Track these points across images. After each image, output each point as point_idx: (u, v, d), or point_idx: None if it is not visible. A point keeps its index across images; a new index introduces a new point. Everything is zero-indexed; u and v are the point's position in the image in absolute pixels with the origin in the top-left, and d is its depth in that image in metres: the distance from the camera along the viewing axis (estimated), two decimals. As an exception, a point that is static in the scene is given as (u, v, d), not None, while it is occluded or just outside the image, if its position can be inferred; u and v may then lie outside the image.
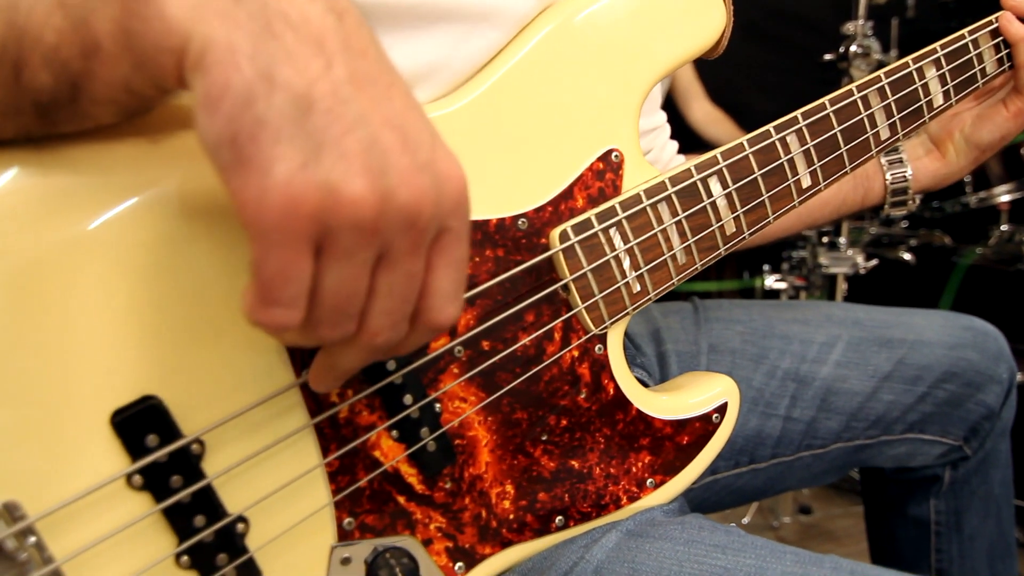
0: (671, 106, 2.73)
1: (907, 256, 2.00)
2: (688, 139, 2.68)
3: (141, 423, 0.46)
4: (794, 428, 1.00)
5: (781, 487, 1.06)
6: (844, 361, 1.01)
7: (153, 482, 0.47)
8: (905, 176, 0.97)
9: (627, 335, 0.99)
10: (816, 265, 1.63)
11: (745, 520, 1.98)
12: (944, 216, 2.20)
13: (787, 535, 1.99)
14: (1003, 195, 2.08)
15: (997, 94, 0.95)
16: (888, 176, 0.98)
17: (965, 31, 0.87)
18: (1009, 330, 1.72)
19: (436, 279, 0.43)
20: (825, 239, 1.74)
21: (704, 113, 2.74)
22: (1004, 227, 2.10)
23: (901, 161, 0.97)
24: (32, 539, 0.43)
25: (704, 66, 2.74)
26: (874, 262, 1.61)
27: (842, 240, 1.63)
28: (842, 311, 1.07)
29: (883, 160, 0.98)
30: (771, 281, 1.82)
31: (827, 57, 1.62)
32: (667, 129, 1.00)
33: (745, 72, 2.92)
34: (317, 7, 0.39)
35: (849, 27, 1.58)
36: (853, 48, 1.57)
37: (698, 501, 1.00)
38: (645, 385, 0.83)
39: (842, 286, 1.69)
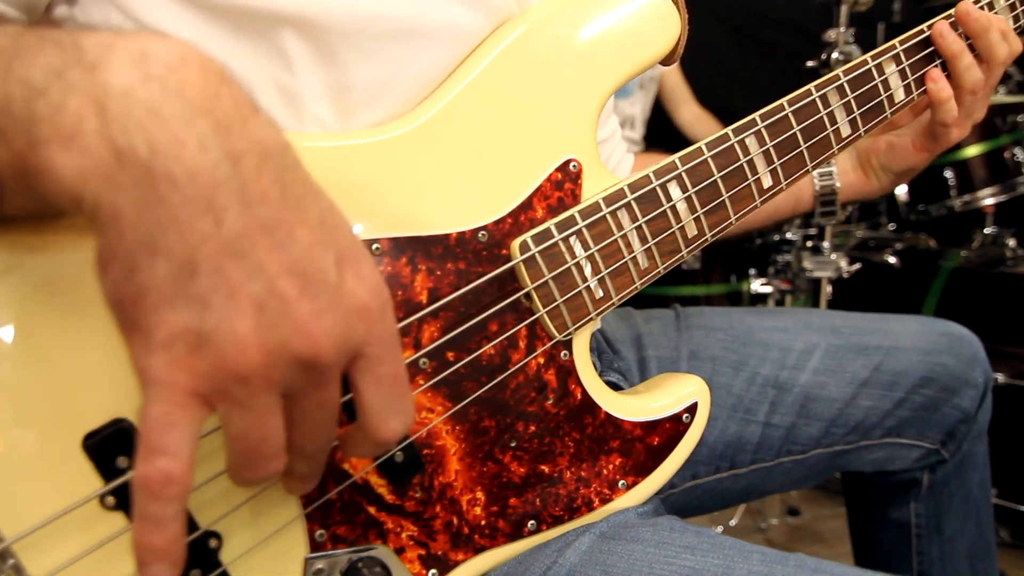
0: (659, 108, 2.75)
1: (892, 260, 2.01)
2: (677, 141, 2.70)
3: (112, 445, 0.48)
4: (774, 434, 1.01)
5: (762, 491, 1.08)
6: (822, 368, 1.02)
7: (126, 501, 0.48)
8: (833, 188, 1.03)
9: (607, 339, 1.01)
10: (801, 269, 1.64)
11: (732, 522, 1.99)
12: (929, 219, 2.22)
13: (775, 537, 2.00)
14: (987, 198, 2.10)
15: (911, 125, 0.98)
16: (817, 186, 1.04)
17: (924, 26, 0.89)
18: (992, 333, 1.74)
19: (367, 399, 0.44)
20: (809, 243, 1.76)
21: (692, 115, 2.77)
22: (988, 230, 2.11)
23: (831, 174, 1.03)
24: (11, 561, 0.44)
25: (692, 69, 2.76)
26: (857, 266, 1.62)
27: (826, 244, 1.64)
28: (820, 318, 1.08)
29: (815, 172, 1.03)
30: (757, 285, 1.83)
31: (809, 64, 1.63)
32: (619, 133, 1.04)
33: (733, 75, 2.95)
34: (209, 158, 0.38)
35: (831, 34, 1.59)
36: (835, 55, 1.58)
37: (680, 505, 1.01)
38: (619, 388, 0.85)
39: (827, 289, 1.70)
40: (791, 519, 2.06)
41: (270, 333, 0.38)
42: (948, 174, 2.13)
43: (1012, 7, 0.94)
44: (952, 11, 0.89)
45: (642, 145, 2.65)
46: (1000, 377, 1.71)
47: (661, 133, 2.74)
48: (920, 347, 1.04)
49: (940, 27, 0.88)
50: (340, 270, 0.41)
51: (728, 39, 2.96)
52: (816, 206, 1.05)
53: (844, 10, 1.59)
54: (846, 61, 1.56)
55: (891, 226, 2.42)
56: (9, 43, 0.40)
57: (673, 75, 2.73)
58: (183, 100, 0.38)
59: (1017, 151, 2.09)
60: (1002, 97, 2.01)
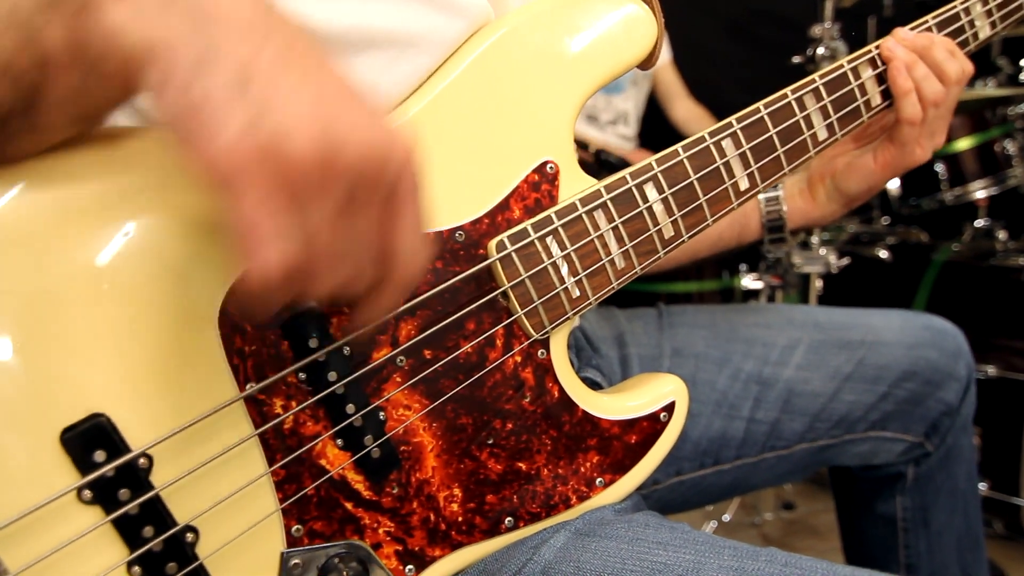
0: (655, 105, 2.76)
1: (884, 254, 2.01)
2: (672, 137, 2.70)
3: (89, 440, 0.49)
4: (758, 429, 1.02)
5: (746, 487, 1.09)
6: (805, 363, 1.03)
7: (102, 496, 0.49)
8: (780, 214, 0.99)
9: (587, 337, 1.02)
10: (790, 264, 1.65)
11: (726, 517, 1.99)
12: (922, 213, 2.22)
13: (770, 531, 2.01)
14: (978, 191, 2.10)
15: (872, 143, 0.94)
16: (764, 213, 0.99)
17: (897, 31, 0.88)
18: (983, 326, 1.75)
19: (400, 237, 0.46)
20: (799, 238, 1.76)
21: (687, 111, 2.77)
22: (980, 223, 2.11)
23: (778, 200, 0.98)
24: (-12, 553, 0.45)
25: (688, 65, 2.76)
26: (846, 261, 1.63)
27: (814, 240, 1.65)
28: (803, 314, 1.09)
29: (761, 198, 0.99)
30: (748, 281, 1.84)
31: (795, 60, 1.63)
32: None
33: (729, 71, 2.95)
34: (246, 1, 0.42)
35: (816, 30, 1.60)
36: (820, 51, 1.59)
37: (664, 501, 1.02)
38: (598, 387, 0.85)
39: (817, 284, 1.71)
40: (785, 513, 2.06)
41: (330, 129, 0.41)
42: (939, 167, 2.13)
43: (988, 13, 0.94)
44: (893, 32, 0.87)
45: (636, 141, 2.66)
46: (991, 369, 1.71)
47: (656, 129, 2.74)
48: (903, 341, 1.05)
49: (887, 42, 0.87)
50: (372, 106, 0.44)
51: (722, 35, 2.96)
52: (764, 234, 1.01)
53: (829, 6, 1.59)
54: (832, 57, 1.58)
55: (885, 220, 2.42)
56: None
57: (667, 71, 2.73)
58: None
59: (1007, 144, 2.09)
60: (991, 90, 2.01)
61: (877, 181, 0.92)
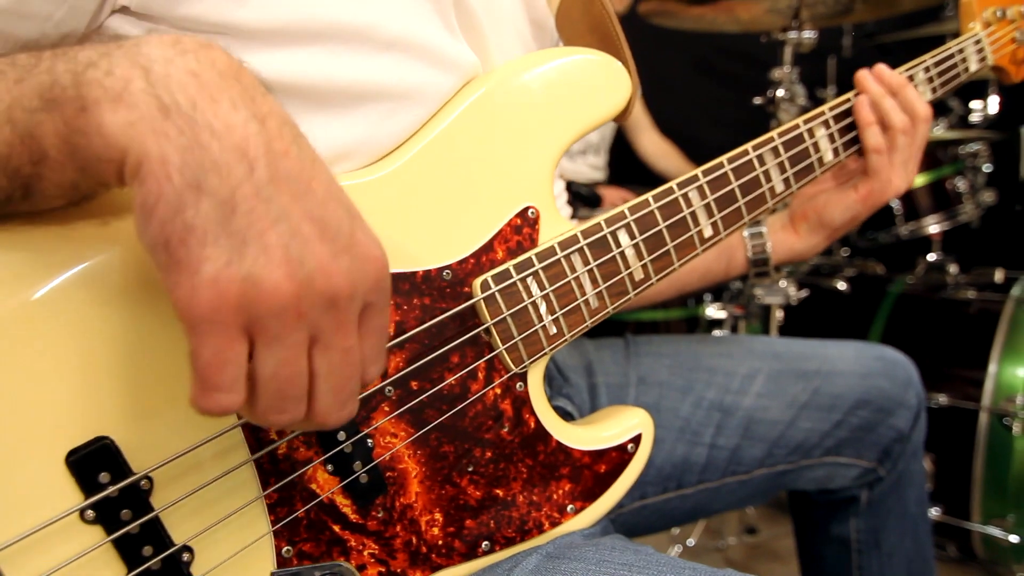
0: (622, 138, 2.82)
1: (842, 286, 2.08)
2: (640, 171, 2.77)
3: (94, 462, 0.51)
4: (719, 455, 1.06)
5: (709, 511, 1.13)
6: (765, 392, 1.08)
7: (105, 516, 0.52)
8: (764, 248, 1.05)
9: (558, 367, 1.06)
10: (753, 295, 1.71)
11: (691, 541, 2.03)
12: (879, 246, 2.31)
13: (733, 555, 2.05)
14: (931, 225, 2.20)
15: (851, 180, 1.00)
16: (749, 248, 1.06)
17: (850, 94, 0.97)
18: (936, 356, 1.82)
19: (366, 349, 0.48)
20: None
21: (653, 145, 2.83)
22: (932, 256, 2.20)
23: (762, 235, 1.05)
24: (-6, 571, 0.47)
25: (656, 99, 2.83)
26: (804, 293, 1.69)
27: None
28: (762, 345, 1.14)
29: (746, 233, 1.05)
30: (712, 310, 1.90)
31: (756, 101, 1.71)
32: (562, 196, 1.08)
33: (696, 106, 3.03)
34: (240, 115, 0.44)
35: (776, 73, 1.67)
36: (780, 93, 1.66)
37: (629, 524, 1.06)
38: (569, 415, 0.90)
39: (777, 314, 1.77)
40: (748, 538, 2.10)
41: (300, 268, 0.43)
42: (895, 203, 2.22)
43: (930, 80, 1.01)
44: (871, 69, 0.96)
45: (606, 171, 2.72)
46: (943, 398, 1.77)
47: (624, 159, 2.81)
48: (856, 371, 1.11)
49: (862, 72, 0.96)
50: (351, 223, 0.46)
51: (689, 71, 3.04)
52: (749, 268, 1.07)
53: (789, 50, 1.66)
54: (791, 99, 1.65)
55: (845, 251, 2.51)
56: (49, 50, 0.47)
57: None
58: (214, 69, 0.45)
59: (958, 181, 2.19)
60: (942, 133, 2.11)
61: (859, 211, 0.99)
